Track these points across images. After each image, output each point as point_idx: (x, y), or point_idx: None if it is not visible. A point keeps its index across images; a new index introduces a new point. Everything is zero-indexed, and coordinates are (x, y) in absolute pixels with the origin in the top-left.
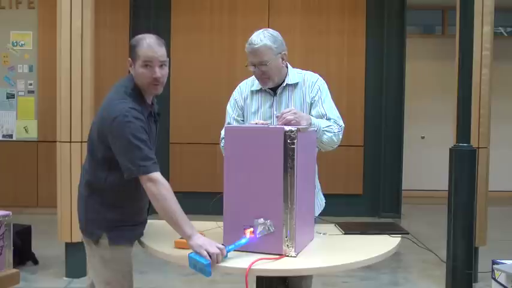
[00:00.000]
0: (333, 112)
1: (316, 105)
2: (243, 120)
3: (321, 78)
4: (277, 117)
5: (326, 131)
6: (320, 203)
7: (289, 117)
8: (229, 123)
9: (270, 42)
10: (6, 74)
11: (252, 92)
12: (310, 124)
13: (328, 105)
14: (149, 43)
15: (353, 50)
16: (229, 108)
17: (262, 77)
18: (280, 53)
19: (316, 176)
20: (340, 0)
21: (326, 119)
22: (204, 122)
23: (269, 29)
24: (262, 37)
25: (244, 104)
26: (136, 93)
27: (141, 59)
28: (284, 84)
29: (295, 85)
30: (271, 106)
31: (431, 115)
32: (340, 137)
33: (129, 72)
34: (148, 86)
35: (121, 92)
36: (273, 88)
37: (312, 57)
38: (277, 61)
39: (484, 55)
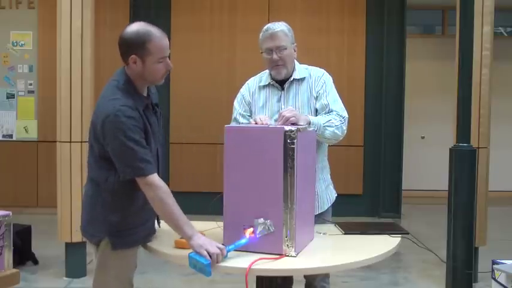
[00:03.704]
0: (336, 104)
1: (320, 98)
2: (249, 116)
3: (326, 73)
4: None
5: (327, 126)
6: (329, 197)
7: (288, 114)
8: (235, 119)
9: (286, 30)
10: (6, 74)
11: (259, 87)
12: (309, 123)
13: (332, 98)
14: (159, 36)
15: (353, 49)
16: (236, 104)
17: (278, 63)
18: (293, 44)
19: (328, 171)
20: None
21: (328, 110)
22: (204, 122)
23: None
24: (278, 24)
25: (251, 99)
26: (129, 86)
27: (156, 55)
28: (291, 79)
29: (302, 80)
30: (278, 100)
31: (431, 115)
32: (344, 128)
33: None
34: (161, 79)
35: (113, 87)
36: (280, 83)
37: (312, 56)
38: (291, 50)
39: (484, 55)
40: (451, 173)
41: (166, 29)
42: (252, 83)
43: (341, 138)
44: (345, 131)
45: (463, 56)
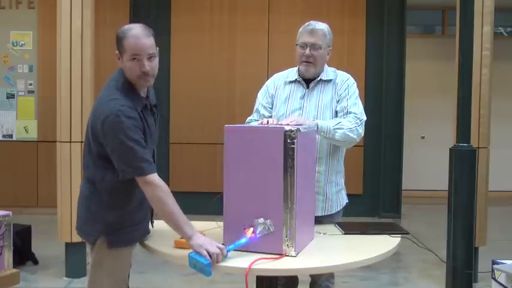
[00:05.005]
0: (355, 107)
1: (341, 101)
2: (271, 108)
3: (351, 77)
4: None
5: (337, 128)
6: (339, 202)
7: (288, 121)
8: (257, 110)
9: (327, 32)
10: (6, 74)
11: (285, 82)
12: (316, 125)
13: (352, 101)
14: (136, 34)
15: (353, 49)
16: (259, 95)
17: (308, 59)
18: (329, 47)
19: (343, 176)
20: None
21: (347, 112)
22: (204, 122)
23: None
24: (321, 24)
25: (275, 93)
26: (128, 86)
27: (129, 52)
28: (318, 79)
29: (328, 81)
30: (302, 97)
31: (431, 115)
32: (360, 131)
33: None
34: (138, 79)
35: (111, 88)
36: (307, 81)
37: None
38: (325, 52)
39: (484, 55)
40: (451, 173)
41: (166, 29)
42: (278, 77)
43: (358, 140)
44: (361, 134)
45: (463, 56)
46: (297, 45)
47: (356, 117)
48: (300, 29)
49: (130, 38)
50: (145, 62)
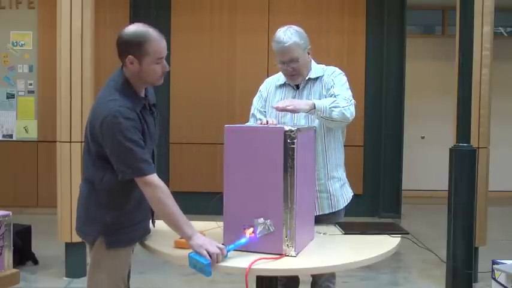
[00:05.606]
0: (343, 92)
1: (329, 91)
2: (265, 111)
3: (338, 69)
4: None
5: (333, 107)
6: (345, 196)
7: (282, 105)
8: (253, 114)
9: (298, 39)
10: (6, 74)
11: (276, 86)
12: (314, 106)
13: (339, 88)
14: (156, 37)
15: (353, 49)
16: (254, 100)
17: (292, 74)
18: (306, 48)
19: (344, 170)
20: None
21: (334, 96)
22: (204, 122)
23: (293, 26)
24: (289, 34)
25: (267, 96)
26: (127, 87)
27: (154, 55)
28: (306, 78)
29: (316, 79)
30: (293, 99)
31: (431, 115)
32: (352, 110)
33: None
34: (158, 80)
35: (110, 88)
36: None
37: (312, 55)
38: (305, 56)
39: (484, 55)
40: (451, 173)
41: (166, 29)
42: (270, 82)
43: (350, 120)
44: (354, 113)
45: (463, 56)
46: (275, 65)
47: (344, 98)
48: (273, 44)
49: (153, 42)
50: (165, 62)
